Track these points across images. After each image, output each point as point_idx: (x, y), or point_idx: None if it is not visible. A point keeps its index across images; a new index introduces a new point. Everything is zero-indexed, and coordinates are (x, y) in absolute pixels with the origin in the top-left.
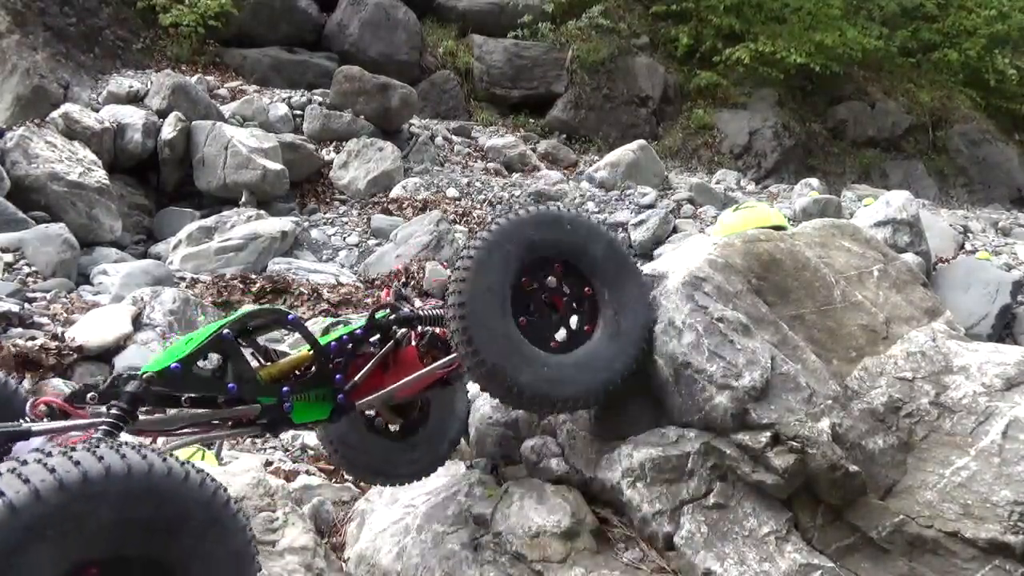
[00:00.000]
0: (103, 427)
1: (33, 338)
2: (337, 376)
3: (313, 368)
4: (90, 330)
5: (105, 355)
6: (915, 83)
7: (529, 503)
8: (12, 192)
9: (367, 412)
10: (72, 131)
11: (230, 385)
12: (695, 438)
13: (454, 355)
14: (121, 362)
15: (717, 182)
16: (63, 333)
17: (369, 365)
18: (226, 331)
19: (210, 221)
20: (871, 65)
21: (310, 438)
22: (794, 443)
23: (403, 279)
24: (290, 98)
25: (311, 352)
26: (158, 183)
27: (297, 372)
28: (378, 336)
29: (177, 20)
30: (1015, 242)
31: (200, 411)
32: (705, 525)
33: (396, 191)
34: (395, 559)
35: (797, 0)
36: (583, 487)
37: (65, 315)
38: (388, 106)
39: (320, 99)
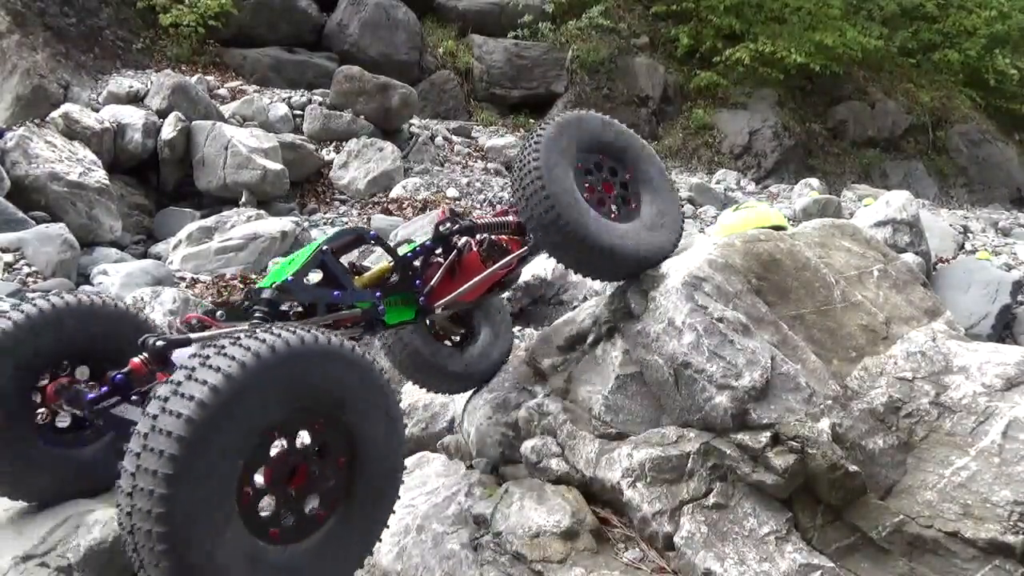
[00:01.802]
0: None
1: None
2: (416, 281)
3: (395, 276)
4: None
5: None
6: (915, 83)
7: (529, 503)
8: (12, 192)
9: (431, 323)
10: (72, 131)
11: (335, 292)
12: (695, 438)
13: (511, 256)
14: None
15: (717, 182)
16: None
17: (440, 271)
18: (325, 247)
19: (210, 221)
20: (871, 65)
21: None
22: (794, 443)
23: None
24: (290, 98)
25: (391, 264)
26: (158, 183)
27: (383, 281)
28: (441, 248)
29: (177, 20)
30: (1015, 242)
31: (310, 319)
32: (705, 525)
33: (396, 191)
34: (395, 559)
35: (797, 0)
36: (583, 487)
37: None
38: (388, 106)
39: (320, 99)
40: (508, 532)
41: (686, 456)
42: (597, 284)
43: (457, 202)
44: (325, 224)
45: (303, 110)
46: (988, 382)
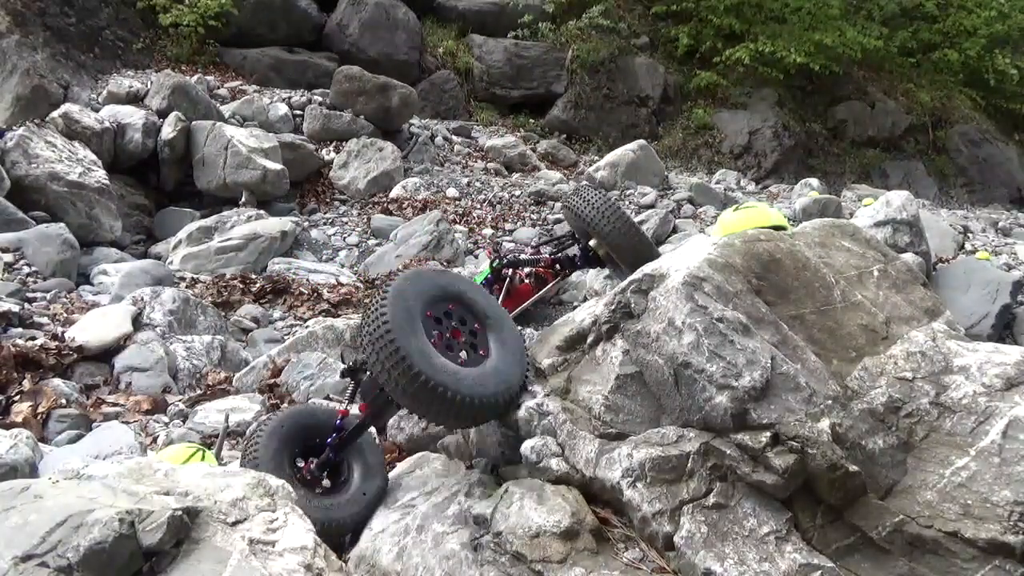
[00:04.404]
0: None
1: (33, 338)
2: None
3: None
4: (90, 330)
5: (105, 355)
6: (915, 83)
7: (529, 503)
8: (12, 192)
9: None
10: (72, 131)
11: None
12: (695, 438)
13: (551, 284)
14: (121, 362)
15: (717, 182)
16: (63, 333)
17: (501, 295)
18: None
19: (210, 221)
20: (871, 65)
21: None
22: (794, 443)
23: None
24: (290, 98)
25: None
26: (158, 183)
27: None
28: (497, 277)
29: (177, 20)
30: (1015, 242)
31: None
32: (705, 525)
33: (396, 191)
34: (395, 559)
35: (797, 0)
36: (583, 487)
37: (65, 315)
38: (388, 106)
39: (320, 99)
40: (508, 532)
41: (686, 456)
42: (597, 284)
43: (457, 202)
44: (325, 224)
45: (303, 110)
46: (988, 382)
